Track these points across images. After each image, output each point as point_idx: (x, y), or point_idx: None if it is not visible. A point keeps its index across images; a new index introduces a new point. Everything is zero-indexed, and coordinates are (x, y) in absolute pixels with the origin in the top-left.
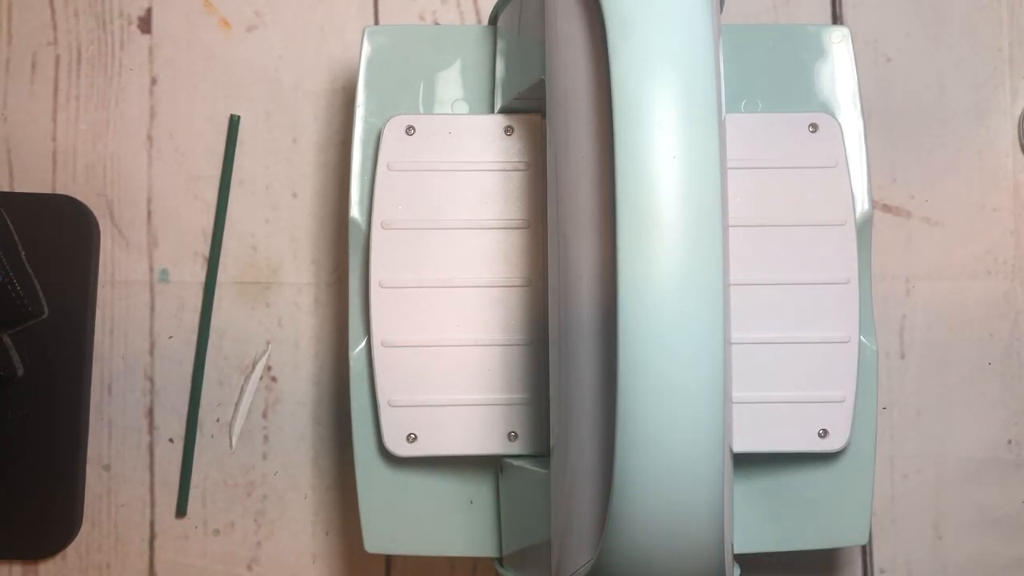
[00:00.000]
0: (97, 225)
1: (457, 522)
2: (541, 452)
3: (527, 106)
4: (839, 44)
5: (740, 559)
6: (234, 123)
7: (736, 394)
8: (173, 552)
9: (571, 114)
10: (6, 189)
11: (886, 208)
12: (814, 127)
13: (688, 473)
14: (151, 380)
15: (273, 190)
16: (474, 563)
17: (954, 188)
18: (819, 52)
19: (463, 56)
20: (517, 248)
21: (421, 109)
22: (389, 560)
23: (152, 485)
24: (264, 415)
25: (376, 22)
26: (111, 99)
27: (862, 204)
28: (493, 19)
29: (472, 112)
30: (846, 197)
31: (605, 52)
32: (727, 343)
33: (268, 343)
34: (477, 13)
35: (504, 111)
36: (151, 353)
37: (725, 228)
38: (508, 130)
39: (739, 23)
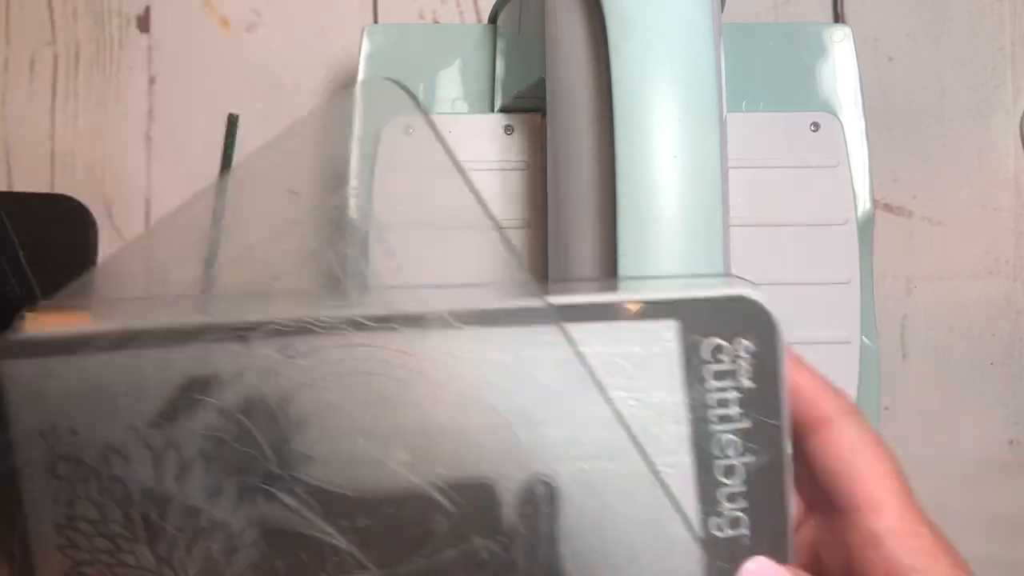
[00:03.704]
0: (95, 225)
1: None
2: None
3: (527, 105)
4: (840, 43)
5: None
6: (233, 122)
7: None
8: None
9: (571, 113)
10: (4, 189)
11: (887, 208)
12: (815, 126)
13: None
14: None
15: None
16: None
17: (955, 188)
18: (820, 51)
19: (463, 55)
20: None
21: None
22: None
23: None
24: None
25: (376, 21)
26: (109, 98)
27: (863, 203)
28: (493, 18)
29: (472, 111)
30: (847, 196)
31: (606, 51)
32: None
33: None
34: (477, 12)
35: (504, 110)
36: None
37: (726, 228)
38: (508, 129)
39: (740, 22)
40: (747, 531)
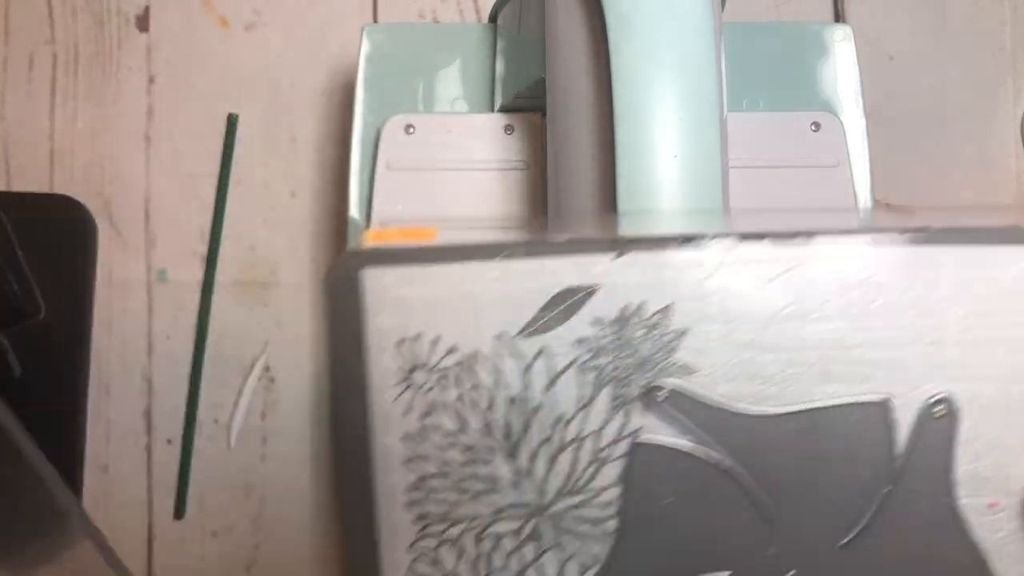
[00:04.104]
0: (95, 225)
1: None
2: None
3: (527, 105)
4: (841, 43)
5: None
6: (232, 122)
7: None
8: (171, 554)
9: (571, 113)
10: (3, 188)
11: (888, 207)
12: (816, 126)
13: None
14: (149, 381)
15: (271, 189)
16: None
17: (956, 187)
18: (821, 51)
19: (463, 54)
20: None
21: (421, 108)
22: None
23: (150, 487)
24: (263, 416)
25: (375, 20)
26: (109, 98)
27: (864, 203)
28: (493, 17)
29: (472, 111)
30: (848, 196)
31: (606, 50)
32: None
33: (266, 343)
34: (477, 11)
35: (504, 110)
36: (149, 353)
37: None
38: (508, 129)
39: (740, 22)
40: None
